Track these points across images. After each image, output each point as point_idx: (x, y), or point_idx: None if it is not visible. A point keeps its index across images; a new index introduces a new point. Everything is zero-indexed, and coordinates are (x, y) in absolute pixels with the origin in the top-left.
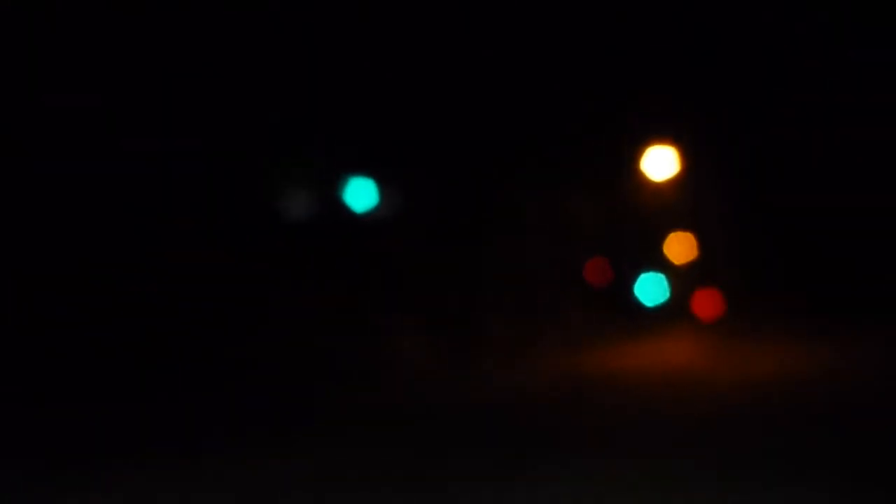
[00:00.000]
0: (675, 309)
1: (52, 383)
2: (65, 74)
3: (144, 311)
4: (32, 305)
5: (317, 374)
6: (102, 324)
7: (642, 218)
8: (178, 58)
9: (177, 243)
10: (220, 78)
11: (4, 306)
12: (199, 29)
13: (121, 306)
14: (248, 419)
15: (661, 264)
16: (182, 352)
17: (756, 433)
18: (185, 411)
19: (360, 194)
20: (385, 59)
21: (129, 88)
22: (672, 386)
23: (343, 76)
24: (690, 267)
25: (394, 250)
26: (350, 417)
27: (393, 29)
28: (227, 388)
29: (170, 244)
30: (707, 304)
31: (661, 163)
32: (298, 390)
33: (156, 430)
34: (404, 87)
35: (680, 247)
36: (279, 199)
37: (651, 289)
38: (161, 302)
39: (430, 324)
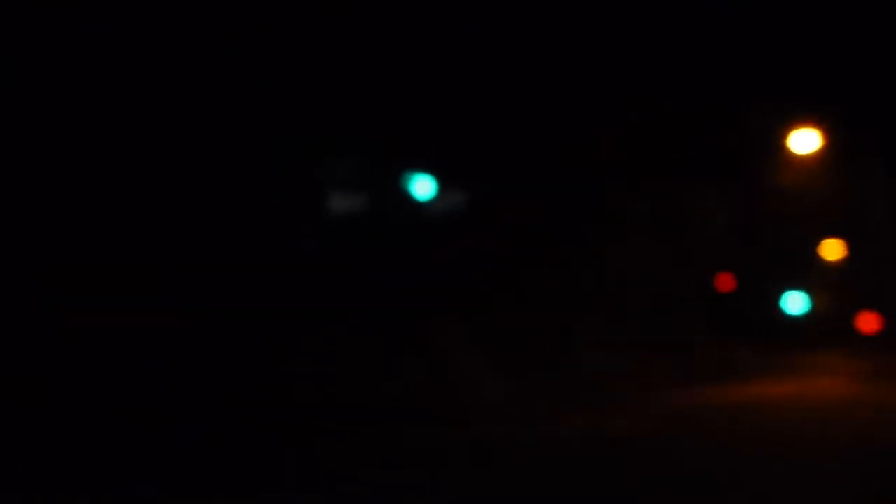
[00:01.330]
0: (823, 327)
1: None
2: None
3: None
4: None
5: (386, 409)
6: (126, 352)
7: (781, 222)
8: (227, 53)
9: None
10: (271, 75)
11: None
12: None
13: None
14: (325, 465)
15: (806, 277)
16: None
17: None
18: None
19: (424, 191)
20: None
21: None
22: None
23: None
24: (842, 279)
25: (473, 264)
26: (436, 460)
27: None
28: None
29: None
30: (863, 321)
31: (806, 142)
32: (371, 428)
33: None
34: (502, 73)
35: (829, 255)
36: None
37: (795, 305)
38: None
39: (517, 354)
